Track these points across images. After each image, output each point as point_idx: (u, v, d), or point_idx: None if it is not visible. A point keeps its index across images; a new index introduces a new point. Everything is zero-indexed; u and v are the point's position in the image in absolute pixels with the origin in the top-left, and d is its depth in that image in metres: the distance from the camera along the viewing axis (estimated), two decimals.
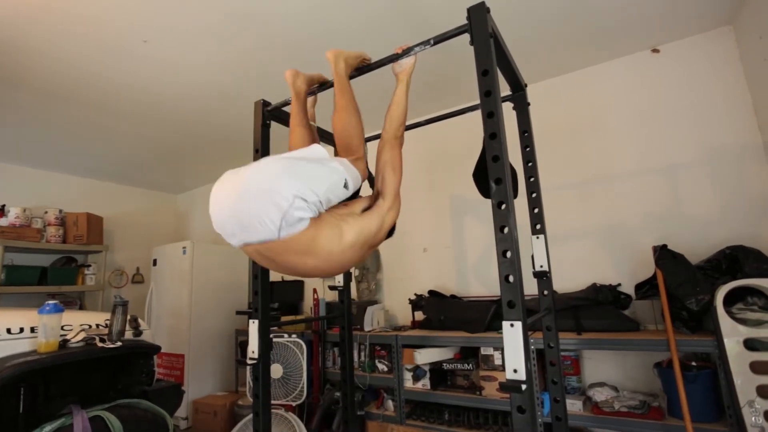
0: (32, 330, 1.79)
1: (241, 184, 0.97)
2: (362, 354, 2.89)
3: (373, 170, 1.86)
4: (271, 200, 0.94)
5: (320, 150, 1.13)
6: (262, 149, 1.66)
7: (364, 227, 1.16)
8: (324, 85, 1.57)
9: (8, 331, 1.74)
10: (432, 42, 1.33)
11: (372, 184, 1.92)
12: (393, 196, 1.30)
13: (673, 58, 2.47)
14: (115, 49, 2.32)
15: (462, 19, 1.23)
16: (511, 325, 0.98)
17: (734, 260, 1.94)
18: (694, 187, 2.33)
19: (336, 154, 1.46)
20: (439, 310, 2.72)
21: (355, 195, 1.72)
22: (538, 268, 1.59)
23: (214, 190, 1.01)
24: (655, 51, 2.53)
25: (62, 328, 1.82)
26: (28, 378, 1.67)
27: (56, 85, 2.67)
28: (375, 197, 1.32)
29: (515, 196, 1.60)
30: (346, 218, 1.13)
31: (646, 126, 2.51)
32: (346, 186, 1.13)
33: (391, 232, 1.47)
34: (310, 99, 1.73)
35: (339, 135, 1.30)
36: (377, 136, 2.06)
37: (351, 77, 1.53)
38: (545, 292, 1.60)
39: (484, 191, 1.59)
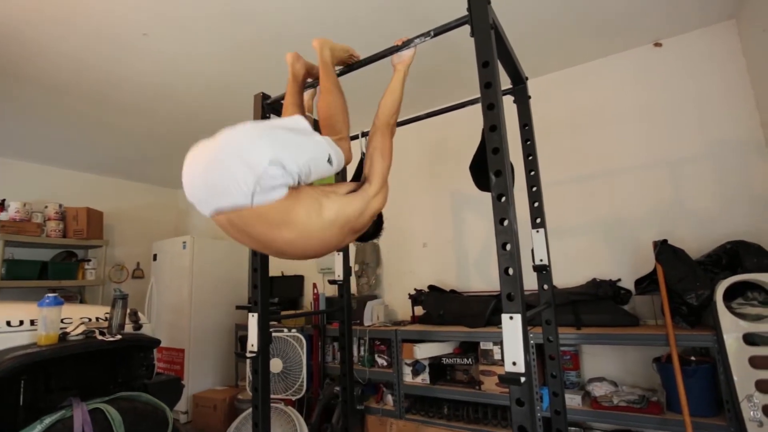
0: (32, 323, 1.79)
1: (215, 147, 0.93)
2: (362, 349, 2.90)
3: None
4: (245, 162, 0.89)
5: (303, 121, 1.09)
6: None
7: (346, 207, 1.11)
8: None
9: (8, 323, 1.75)
10: (432, 34, 1.32)
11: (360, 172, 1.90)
12: (380, 182, 1.24)
13: (675, 52, 2.46)
14: (115, 41, 2.31)
15: (462, 12, 1.22)
16: (510, 318, 0.98)
17: (735, 255, 1.94)
18: (695, 182, 2.33)
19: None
20: (438, 304, 2.72)
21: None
22: (537, 262, 1.59)
23: (188, 156, 0.97)
24: (657, 45, 2.51)
25: (62, 321, 1.82)
26: (29, 370, 1.67)
27: (56, 78, 2.66)
28: (362, 182, 1.26)
29: None
30: (329, 194, 1.09)
31: (647, 121, 2.50)
32: (329, 161, 1.08)
33: (379, 228, 1.45)
34: (309, 92, 1.72)
35: (323, 115, 1.31)
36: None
37: (348, 71, 1.52)
38: (545, 287, 1.60)
39: (480, 184, 1.59)
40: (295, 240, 1.02)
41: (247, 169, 0.89)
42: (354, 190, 1.20)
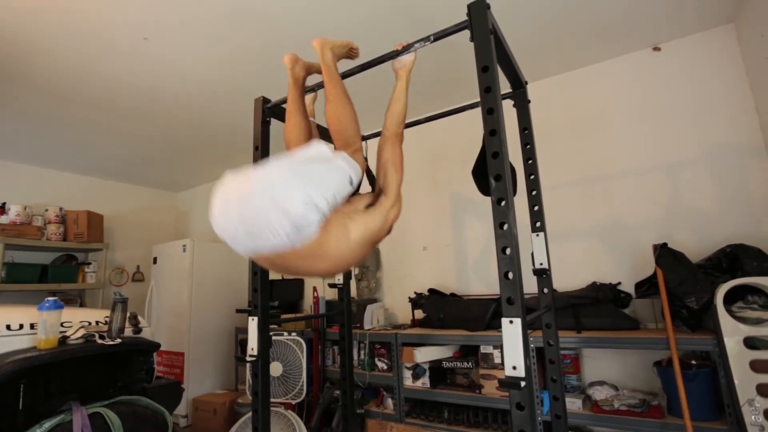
0: (32, 327, 1.79)
1: (250, 193, 0.93)
2: (362, 352, 2.89)
3: (372, 166, 1.86)
4: (283, 210, 0.92)
5: (323, 148, 1.12)
6: (262, 146, 1.65)
7: (369, 224, 1.16)
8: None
9: (8, 327, 1.74)
10: (432, 38, 1.33)
11: (370, 179, 1.90)
12: (395, 194, 1.30)
13: (674, 56, 2.47)
14: (116, 46, 2.32)
15: (463, 17, 1.23)
16: (510, 322, 0.98)
17: (735, 259, 1.94)
18: (695, 185, 2.33)
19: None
20: (438, 308, 2.72)
21: (356, 190, 1.70)
22: (537, 266, 1.59)
23: (217, 195, 0.97)
24: (656, 49, 2.52)
25: (62, 324, 1.82)
26: (28, 374, 1.67)
27: (56, 83, 2.67)
28: (377, 194, 1.31)
29: (514, 193, 1.60)
30: (352, 215, 1.13)
31: (646, 124, 2.51)
32: (351, 183, 1.12)
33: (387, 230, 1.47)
34: (309, 96, 1.72)
35: (334, 128, 1.28)
36: (377, 134, 2.07)
37: (351, 74, 1.52)
38: (545, 290, 1.60)
39: (483, 188, 1.59)
40: (329, 267, 1.10)
41: (283, 215, 0.91)
42: (372, 203, 1.25)
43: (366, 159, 2.00)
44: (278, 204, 0.91)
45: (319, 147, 1.12)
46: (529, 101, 1.69)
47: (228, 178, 0.99)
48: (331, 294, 3.48)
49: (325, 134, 1.81)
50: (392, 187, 1.30)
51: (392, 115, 1.36)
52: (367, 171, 1.97)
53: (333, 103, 1.26)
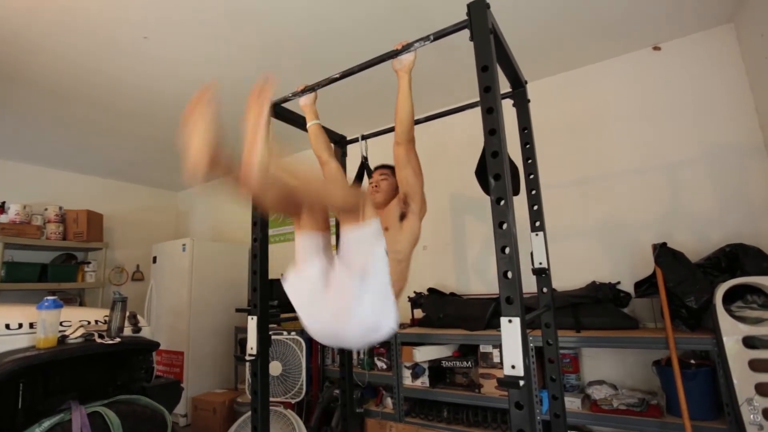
0: (31, 326, 1.79)
1: (345, 333, 1.22)
2: (361, 351, 2.89)
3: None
4: (372, 341, 1.24)
5: (356, 285, 1.17)
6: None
7: (410, 239, 1.34)
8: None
9: (7, 326, 1.74)
10: (432, 38, 1.33)
11: (368, 172, 1.90)
12: (420, 197, 1.41)
13: (674, 55, 2.47)
14: (116, 45, 2.32)
15: (463, 17, 1.23)
16: (509, 321, 0.98)
17: (734, 258, 1.94)
18: (695, 185, 2.33)
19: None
20: (438, 307, 2.72)
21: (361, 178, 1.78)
22: (537, 266, 1.59)
23: (311, 324, 1.27)
24: (656, 48, 2.52)
25: (61, 324, 1.81)
26: (27, 373, 1.67)
27: (56, 82, 2.67)
28: (403, 199, 1.40)
29: (517, 193, 1.60)
30: (396, 249, 1.27)
31: (646, 124, 2.51)
32: (387, 252, 1.23)
33: None
34: (310, 96, 1.72)
35: (334, 206, 1.19)
36: (377, 134, 2.07)
37: (351, 74, 1.51)
38: (544, 290, 1.60)
39: (486, 188, 1.59)
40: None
41: (372, 342, 1.24)
42: (403, 213, 1.37)
43: (366, 158, 2.00)
44: (370, 340, 1.23)
45: (349, 280, 1.19)
46: (528, 101, 1.69)
47: (321, 313, 1.25)
48: None
49: (328, 132, 1.82)
50: (417, 191, 1.39)
51: (402, 122, 1.37)
52: (365, 166, 1.96)
53: (322, 188, 1.13)
